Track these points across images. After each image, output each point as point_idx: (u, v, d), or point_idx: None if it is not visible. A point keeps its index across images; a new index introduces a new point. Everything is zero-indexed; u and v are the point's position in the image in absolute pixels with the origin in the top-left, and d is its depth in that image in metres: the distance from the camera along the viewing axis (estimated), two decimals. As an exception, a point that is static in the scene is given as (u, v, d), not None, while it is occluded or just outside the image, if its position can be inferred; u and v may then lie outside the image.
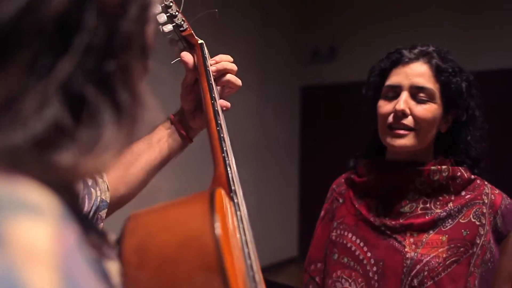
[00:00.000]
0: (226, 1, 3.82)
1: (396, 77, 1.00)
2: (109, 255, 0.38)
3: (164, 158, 0.86)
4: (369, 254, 1.03)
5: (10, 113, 0.25)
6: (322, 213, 1.17)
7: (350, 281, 1.03)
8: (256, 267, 0.52)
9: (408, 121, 0.98)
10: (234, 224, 0.52)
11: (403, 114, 0.97)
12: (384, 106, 1.01)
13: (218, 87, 0.84)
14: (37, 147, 0.26)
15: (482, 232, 0.99)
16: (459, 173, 1.02)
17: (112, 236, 0.66)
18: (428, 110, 0.98)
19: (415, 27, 3.89)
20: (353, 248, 1.05)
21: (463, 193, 1.03)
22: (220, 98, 0.80)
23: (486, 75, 3.64)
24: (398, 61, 1.01)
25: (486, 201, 1.02)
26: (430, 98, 0.98)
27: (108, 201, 0.78)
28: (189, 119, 0.88)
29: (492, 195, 1.03)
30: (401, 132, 0.98)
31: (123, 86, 0.30)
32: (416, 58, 1.00)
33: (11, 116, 0.25)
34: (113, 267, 0.35)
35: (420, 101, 0.98)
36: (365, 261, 1.03)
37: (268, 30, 4.42)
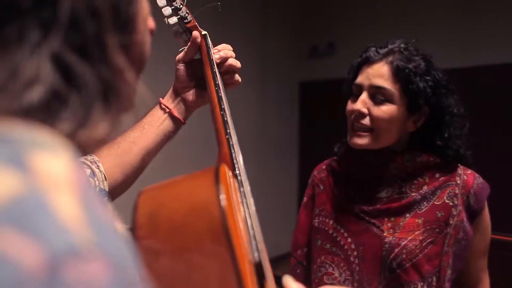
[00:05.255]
0: (225, -4, 3.81)
1: (360, 77, 1.05)
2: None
3: (158, 143, 0.89)
4: (349, 240, 1.07)
5: (15, 82, 0.28)
6: (305, 199, 1.20)
7: (333, 265, 1.08)
8: (259, 237, 0.56)
9: (366, 121, 1.02)
10: (238, 199, 0.56)
11: (361, 114, 1.02)
12: (349, 105, 1.06)
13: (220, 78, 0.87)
14: (40, 113, 0.28)
15: (454, 213, 1.03)
16: (432, 158, 1.05)
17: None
18: (384, 111, 1.00)
19: (413, 23, 3.90)
20: (334, 234, 1.09)
21: (437, 175, 1.06)
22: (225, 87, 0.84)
23: (487, 70, 3.65)
24: (364, 61, 1.05)
25: (458, 181, 1.05)
26: (388, 99, 1.00)
27: (107, 190, 0.80)
28: (186, 97, 0.91)
29: (465, 176, 1.06)
30: (360, 133, 1.03)
31: (101, 59, 0.31)
32: (380, 59, 1.02)
33: (17, 85, 0.28)
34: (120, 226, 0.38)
35: (378, 102, 1.01)
36: (346, 247, 1.07)
37: (267, 26, 4.42)
